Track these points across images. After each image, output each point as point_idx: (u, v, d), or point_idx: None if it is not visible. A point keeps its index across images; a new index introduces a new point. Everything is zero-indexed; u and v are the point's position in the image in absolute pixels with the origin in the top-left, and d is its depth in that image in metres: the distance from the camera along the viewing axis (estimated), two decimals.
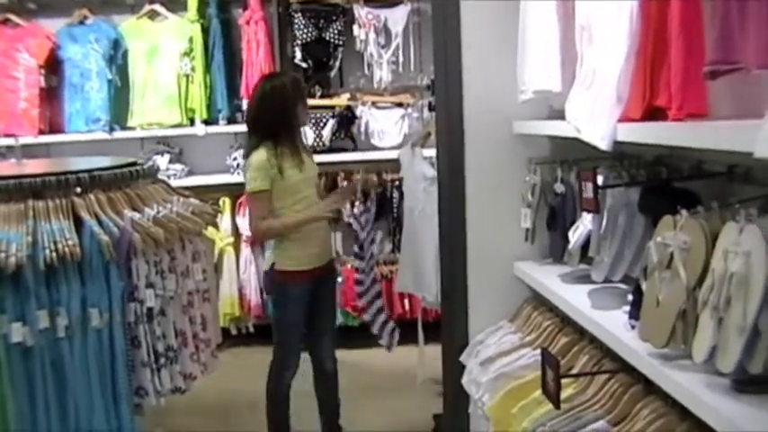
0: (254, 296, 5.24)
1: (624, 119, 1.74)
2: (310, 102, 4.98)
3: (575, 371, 2.13)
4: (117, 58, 5.18)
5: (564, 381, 2.02)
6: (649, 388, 1.80)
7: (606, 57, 1.78)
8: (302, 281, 3.42)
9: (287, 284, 3.42)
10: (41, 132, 5.13)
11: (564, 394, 2.00)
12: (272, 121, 3.33)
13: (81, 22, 5.19)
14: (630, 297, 1.84)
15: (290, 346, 3.51)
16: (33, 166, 3.27)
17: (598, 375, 2.02)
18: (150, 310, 2.72)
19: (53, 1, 5.28)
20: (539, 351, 2.11)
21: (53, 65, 5.18)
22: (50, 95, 5.23)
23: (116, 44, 5.17)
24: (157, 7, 5.23)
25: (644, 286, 1.66)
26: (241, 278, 5.27)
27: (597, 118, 1.80)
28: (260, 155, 3.30)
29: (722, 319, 1.37)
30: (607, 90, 1.76)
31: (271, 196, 3.32)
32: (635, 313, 1.77)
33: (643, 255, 1.70)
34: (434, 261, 3.28)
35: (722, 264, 1.38)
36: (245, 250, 5.26)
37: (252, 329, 5.33)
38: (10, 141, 4.71)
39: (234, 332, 5.27)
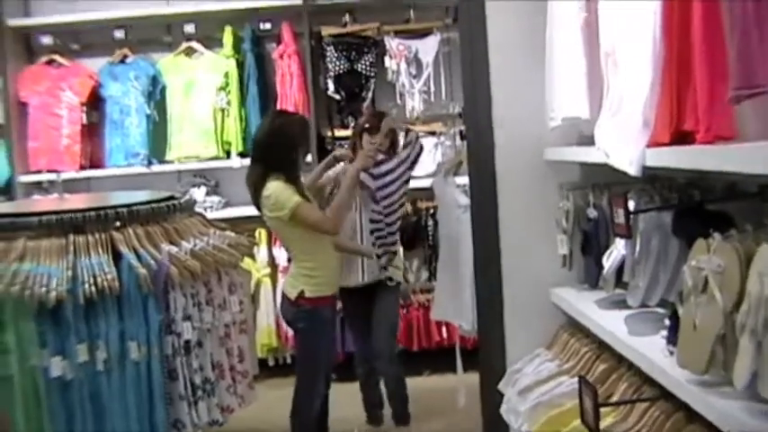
0: None
1: (652, 143, 1.73)
2: (344, 132, 5.06)
3: (614, 398, 2.09)
4: (155, 93, 5.30)
5: (603, 409, 1.99)
6: (691, 415, 1.76)
7: (632, 82, 1.78)
8: (329, 305, 3.49)
9: (317, 311, 3.44)
10: (82, 167, 5.24)
11: (604, 423, 1.97)
12: (283, 155, 3.42)
13: (121, 61, 5.33)
14: (668, 322, 1.82)
15: (320, 376, 3.55)
16: (74, 201, 3.35)
17: (638, 403, 1.98)
18: (187, 342, 2.75)
19: (95, 41, 5.43)
20: (576, 379, 2.09)
21: (95, 102, 5.32)
22: (91, 131, 5.36)
23: (154, 81, 5.29)
24: (194, 44, 5.34)
25: (680, 311, 1.64)
26: (278, 309, 5.27)
27: (625, 143, 1.79)
28: (278, 183, 3.38)
29: (761, 343, 1.35)
30: (634, 115, 1.75)
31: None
32: (673, 338, 1.74)
33: (678, 278, 1.68)
34: (470, 289, 3.27)
35: (758, 287, 1.35)
36: (282, 281, 5.27)
37: (289, 360, 5.33)
38: (52, 176, 4.84)
39: (271, 363, 5.28)
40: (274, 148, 3.45)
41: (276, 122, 3.56)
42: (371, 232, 3.78)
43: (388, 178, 3.73)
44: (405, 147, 3.82)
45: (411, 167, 3.83)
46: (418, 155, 3.84)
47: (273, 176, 3.39)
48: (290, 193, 3.35)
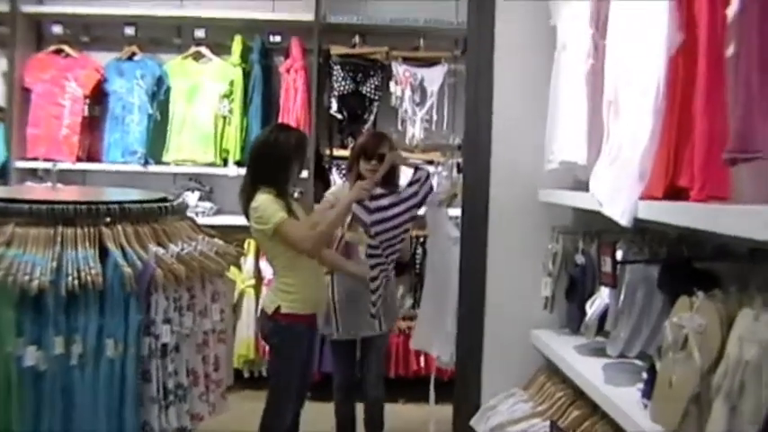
0: None
1: (646, 196, 1.74)
2: (343, 152, 5.08)
3: None
4: (159, 94, 5.32)
5: None
6: None
7: (631, 132, 1.80)
8: (306, 323, 3.45)
9: (292, 328, 3.42)
10: (79, 159, 5.24)
11: None
12: (276, 168, 3.43)
13: (129, 58, 5.35)
14: (645, 375, 1.82)
15: (291, 393, 3.52)
16: (66, 193, 3.33)
17: None
18: (165, 345, 2.73)
19: (105, 35, 5.46)
20: (548, 422, 2.09)
21: (98, 96, 5.34)
22: (92, 125, 5.37)
23: (160, 81, 5.31)
24: (203, 49, 5.36)
25: (658, 366, 1.64)
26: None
27: (619, 193, 1.81)
28: (268, 196, 3.38)
29: (735, 407, 1.35)
30: (630, 166, 1.77)
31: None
32: (648, 392, 1.74)
33: (660, 332, 1.68)
34: (452, 321, 3.27)
35: (737, 350, 1.36)
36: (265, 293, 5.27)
37: (265, 373, 5.30)
38: (48, 165, 4.84)
39: (247, 375, 5.25)
40: (268, 160, 3.46)
41: (273, 135, 3.55)
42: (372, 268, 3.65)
43: (388, 214, 3.57)
44: (412, 183, 3.67)
45: (417, 206, 3.67)
46: (427, 194, 3.67)
47: (264, 189, 3.40)
48: (277, 208, 3.35)
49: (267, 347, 5.13)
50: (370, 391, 3.95)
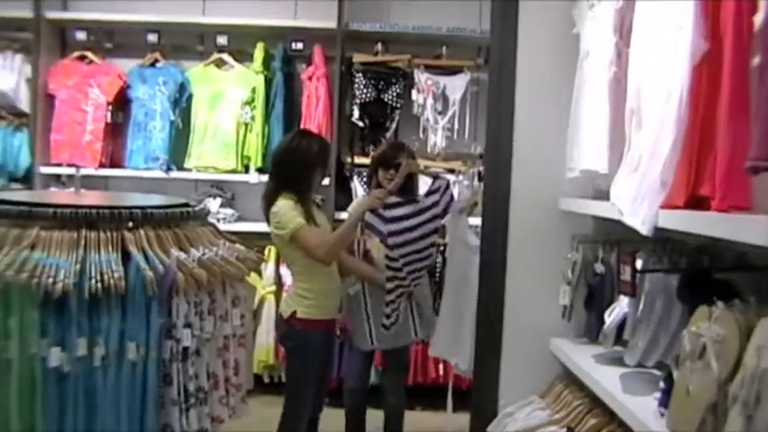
0: None
1: (667, 205, 1.75)
2: (364, 160, 5.10)
3: None
4: (181, 101, 5.36)
5: None
6: None
7: (653, 141, 1.80)
8: (323, 329, 3.49)
9: (307, 333, 3.46)
10: (102, 165, 5.30)
11: None
12: (298, 174, 3.47)
13: (152, 65, 5.40)
14: (662, 384, 1.82)
15: (306, 398, 3.54)
16: (90, 198, 3.38)
17: None
18: (186, 349, 2.75)
19: (128, 42, 5.52)
20: (565, 430, 2.09)
21: (121, 102, 5.39)
22: (115, 131, 5.43)
23: (182, 88, 5.35)
24: (225, 56, 5.40)
25: (675, 375, 1.65)
26: None
27: (640, 202, 1.82)
28: (287, 202, 3.43)
29: (752, 416, 1.35)
30: (652, 175, 1.78)
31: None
32: (665, 401, 1.75)
33: (678, 342, 1.69)
34: (471, 329, 3.27)
35: (755, 360, 1.37)
36: None
37: (284, 379, 5.32)
38: (71, 171, 4.90)
39: (266, 380, 5.28)
40: (290, 166, 3.51)
41: (296, 141, 3.59)
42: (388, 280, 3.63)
43: (405, 224, 3.54)
44: (431, 193, 3.65)
45: (439, 217, 3.65)
46: (448, 204, 3.66)
47: (285, 194, 3.45)
48: (295, 214, 3.40)
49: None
50: (391, 397, 3.96)
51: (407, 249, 3.57)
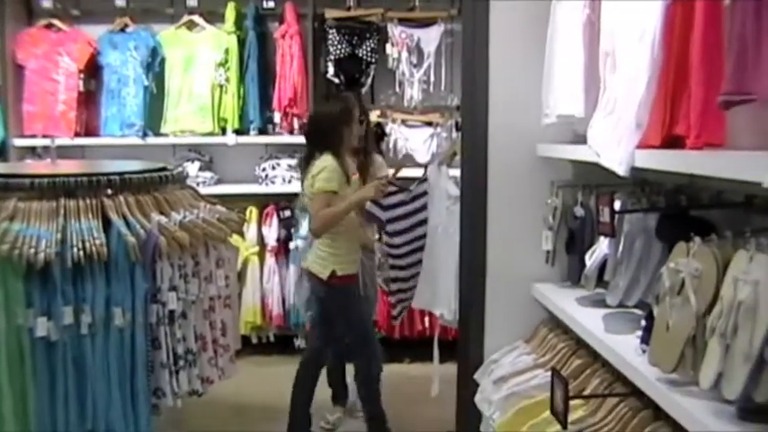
0: (276, 306, 5.28)
1: (643, 145, 1.76)
2: None
3: (586, 393, 2.14)
4: (154, 65, 5.30)
5: (574, 403, 2.04)
6: (659, 413, 1.80)
7: (628, 83, 1.81)
8: (356, 283, 3.78)
9: (349, 287, 3.73)
10: (77, 135, 5.25)
11: (574, 416, 2.01)
12: (326, 134, 3.70)
13: (122, 30, 5.32)
14: (644, 322, 1.85)
15: (373, 337, 3.89)
16: (67, 167, 3.35)
17: (609, 399, 2.02)
18: (172, 312, 2.77)
19: (96, 8, 5.41)
20: (551, 372, 2.13)
21: (92, 70, 5.32)
22: (88, 99, 5.36)
23: (154, 52, 5.28)
24: (196, 18, 5.33)
25: (655, 311, 1.68)
26: (264, 287, 5.31)
27: (616, 143, 1.83)
28: (331, 160, 3.59)
29: (729, 346, 1.38)
30: (627, 116, 1.78)
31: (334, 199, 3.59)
32: (647, 338, 1.78)
33: (658, 280, 1.71)
34: (453, 279, 3.30)
35: (731, 291, 1.39)
36: (270, 260, 5.31)
37: (272, 339, 5.37)
38: (46, 142, 4.84)
39: (254, 341, 5.31)
40: (318, 129, 3.78)
41: (321, 105, 4.05)
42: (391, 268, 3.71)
43: (400, 211, 3.58)
44: (422, 181, 3.62)
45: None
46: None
47: (325, 154, 3.65)
48: (334, 176, 3.58)
49: (276, 312, 5.23)
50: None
51: (407, 237, 3.61)
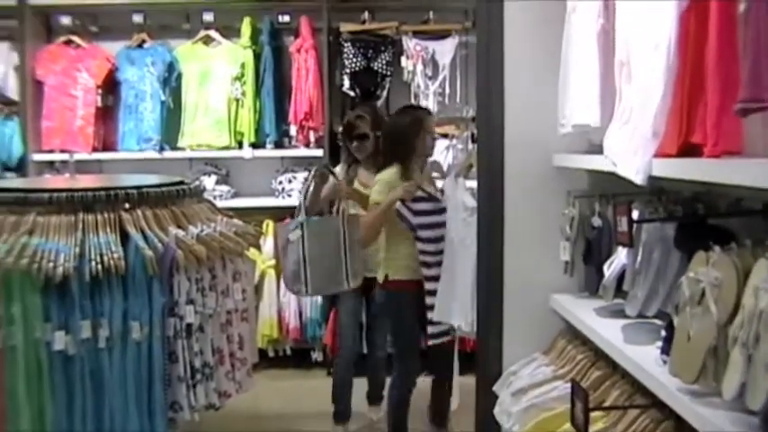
0: (292, 319, 5.26)
1: (660, 154, 1.75)
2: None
3: (606, 405, 2.12)
4: (171, 80, 5.34)
5: (594, 414, 2.02)
6: (680, 425, 1.78)
7: (644, 92, 1.80)
8: (414, 291, 3.72)
9: (401, 294, 3.73)
10: (95, 149, 5.29)
11: (594, 428, 2.00)
12: (394, 146, 3.78)
13: (139, 46, 5.37)
14: (663, 332, 1.84)
15: (414, 353, 3.85)
16: (85, 181, 3.38)
17: (629, 410, 2.00)
18: (189, 326, 2.78)
19: (114, 25, 5.47)
20: (570, 384, 2.11)
21: (110, 85, 5.37)
22: (106, 114, 5.41)
23: (171, 67, 5.32)
24: (212, 33, 5.37)
25: (675, 322, 1.66)
26: (281, 301, 5.30)
27: (633, 152, 1.81)
28: (390, 171, 3.73)
29: (751, 356, 1.37)
30: (643, 125, 1.77)
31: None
32: (667, 349, 1.76)
33: (677, 290, 1.70)
34: (471, 291, 3.29)
35: (752, 300, 1.38)
36: None
37: (289, 352, 5.37)
38: (65, 157, 4.88)
39: (271, 354, 5.31)
40: (387, 140, 3.85)
41: (393, 117, 4.01)
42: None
43: (430, 220, 3.67)
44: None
45: None
46: None
47: (392, 165, 3.73)
48: (383, 191, 3.66)
49: (292, 326, 5.22)
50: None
51: (440, 246, 3.65)
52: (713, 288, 1.50)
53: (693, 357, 1.53)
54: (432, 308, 3.68)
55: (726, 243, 1.57)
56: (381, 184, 3.71)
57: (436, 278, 3.65)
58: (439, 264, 3.64)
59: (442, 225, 3.63)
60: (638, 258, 2.10)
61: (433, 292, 3.66)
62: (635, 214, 2.03)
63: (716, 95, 1.53)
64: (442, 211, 3.65)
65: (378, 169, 3.84)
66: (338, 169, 4.15)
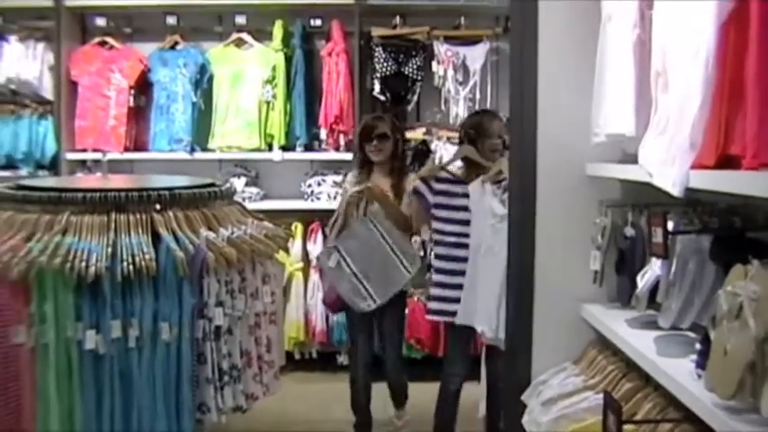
0: (319, 322, 5.27)
1: (697, 166, 1.72)
2: None
3: (638, 418, 2.09)
4: (202, 82, 5.38)
5: (626, 427, 1.99)
6: None
7: (681, 103, 1.77)
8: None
9: None
10: (127, 149, 5.35)
11: None
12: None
13: (172, 47, 5.42)
14: (698, 345, 1.81)
15: (453, 351, 3.89)
16: (117, 181, 3.41)
17: (662, 424, 1.97)
18: (218, 328, 2.79)
19: (147, 26, 5.54)
20: (601, 395, 2.09)
21: (142, 86, 5.43)
22: (138, 115, 5.47)
23: (202, 69, 5.37)
24: (244, 36, 5.41)
25: (712, 335, 1.63)
26: (308, 303, 5.32)
27: (670, 164, 1.79)
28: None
29: None
30: (681, 136, 1.75)
31: None
32: (702, 362, 1.73)
33: (712, 303, 1.67)
34: (495, 298, 3.28)
35: None
36: (314, 276, 5.32)
37: (315, 355, 5.37)
38: (97, 156, 4.95)
39: (297, 357, 5.32)
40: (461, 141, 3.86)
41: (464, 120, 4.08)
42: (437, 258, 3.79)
43: (451, 202, 3.68)
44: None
45: None
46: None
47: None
48: None
49: (319, 329, 5.22)
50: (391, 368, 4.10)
51: (457, 228, 3.65)
52: (751, 302, 1.47)
53: (731, 372, 1.51)
54: (434, 312, 3.75)
55: (763, 256, 1.55)
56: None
57: (445, 271, 3.66)
58: (451, 256, 3.66)
59: (460, 209, 3.64)
60: (673, 270, 2.08)
61: (440, 284, 3.68)
62: (670, 225, 2.01)
63: (756, 106, 1.51)
64: (465, 195, 3.64)
65: (392, 175, 3.85)
66: (350, 177, 4.13)
